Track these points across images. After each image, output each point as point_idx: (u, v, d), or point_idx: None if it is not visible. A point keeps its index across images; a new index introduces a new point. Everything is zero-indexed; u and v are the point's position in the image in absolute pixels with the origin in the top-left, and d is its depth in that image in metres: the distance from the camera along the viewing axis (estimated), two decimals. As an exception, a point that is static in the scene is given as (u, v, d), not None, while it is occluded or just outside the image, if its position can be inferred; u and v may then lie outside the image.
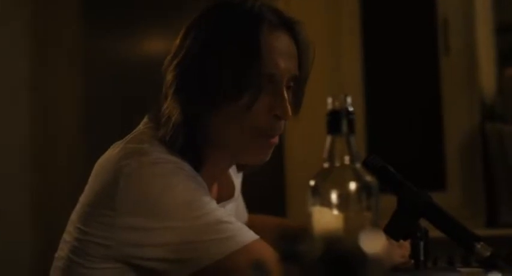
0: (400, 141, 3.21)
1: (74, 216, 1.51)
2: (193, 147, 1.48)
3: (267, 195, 3.48)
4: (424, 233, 1.38)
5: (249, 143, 1.50)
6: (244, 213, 1.86)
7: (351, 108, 1.05)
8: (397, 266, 1.48)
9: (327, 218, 1.01)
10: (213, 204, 1.44)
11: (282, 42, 1.51)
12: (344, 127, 1.04)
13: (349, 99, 1.06)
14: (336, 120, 1.04)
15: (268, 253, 1.37)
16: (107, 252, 1.42)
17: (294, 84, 1.54)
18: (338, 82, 3.26)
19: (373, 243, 0.63)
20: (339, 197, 1.02)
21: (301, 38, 1.58)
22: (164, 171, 1.41)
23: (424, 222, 1.41)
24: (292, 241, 0.72)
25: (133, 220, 1.40)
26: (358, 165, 1.04)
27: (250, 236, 1.42)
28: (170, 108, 1.48)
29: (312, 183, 1.03)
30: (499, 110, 3.21)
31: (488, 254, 1.35)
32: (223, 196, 1.64)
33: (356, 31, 3.28)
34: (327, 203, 1.02)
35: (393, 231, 1.37)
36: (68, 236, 1.50)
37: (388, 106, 3.27)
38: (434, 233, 1.46)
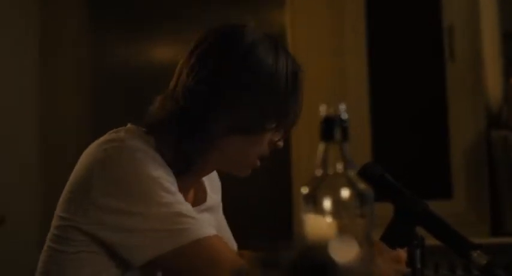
0: (405, 148, 3.20)
1: (57, 208, 1.60)
2: (195, 155, 1.59)
3: (273, 204, 3.48)
4: (420, 241, 1.38)
5: (247, 162, 1.65)
6: (229, 236, 1.84)
7: (344, 116, 1.05)
8: None
9: (320, 225, 1.01)
10: (179, 197, 1.51)
11: (301, 90, 1.68)
12: (337, 134, 1.03)
13: (343, 107, 1.05)
14: (329, 128, 1.03)
15: (222, 249, 1.49)
16: (84, 236, 1.51)
17: None
18: (343, 87, 3.25)
19: (344, 251, 0.63)
20: (332, 204, 1.01)
21: (301, 86, 1.69)
22: (137, 158, 1.50)
23: (421, 231, 1.40)
24: (269, 249, 0.72)
25: (103, 201, 1.48)
26: (351, 173, 1.04)
27: (206, 231, 1.50)
28: (203, 122, 1.58)
29: (305, 190, 1.03)
30: (504, 117, 3.20)
31: (484, 262, 1.34)
32: (199, 200, 1.72)
33: (361, 38, 3.28)
34: (320, 211, 1.01)
35: (390, 239, 1.36)
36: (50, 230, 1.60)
37: (393, 112, 3.26)
38: (436, 240, 1.45)
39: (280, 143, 1.66)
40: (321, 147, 1.03)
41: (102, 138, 1.58)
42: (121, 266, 1.53)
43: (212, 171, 1.73)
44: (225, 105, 1.59)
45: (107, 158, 1.51)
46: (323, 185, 1.02)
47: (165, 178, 1.51)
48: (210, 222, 1.68)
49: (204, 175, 1.72)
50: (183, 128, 1.58)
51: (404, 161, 3.10)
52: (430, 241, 1.46)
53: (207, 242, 1.49)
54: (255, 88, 1.60)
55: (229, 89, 1.59)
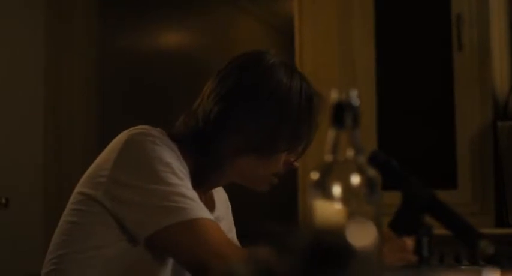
0: (411, 138, 3.20)
1: (77, 187, 1.71)
2: (213, 169, 1.73)
3: (280, 193, 3.47)
4: (428, 229, 1.37)
5: (264, 180, 1.76)
6: None
7: (356, 102, 1.04)
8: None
9: (329, 211, 1.00)
10: (186, 183, 1.62)
11: (316, 113, 1.76)
12: (348, 120, 1.03)
13: (354, 93, 1.05)
14: (339, 114, 1.03)
15: (214, 232, 1.58)
16: (98, 207, 1.61)
17: None
18: (351, 76, 3.25)
19: (362, 236, 0.62)
20: (342, 190, 1.01)
21: (317, 110, 1.77)
22: (157, 144, 1.62)
23: (429, 219, 1.40)
24: (282, 234, 0.71)
25: (118, 175, 1.60)
26: (361, 160, 1.03)
27: (204, 215, 1.59)
28: (218, 141, 1.69)
29: (314, 176, 1.02)
30: (511, 108, 3.19)
31: (491, 251, 1.34)
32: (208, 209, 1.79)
33: (369, 27, 3.27)
34: (330, 197, 1.01)
35: (397, 227, 1.36)
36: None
37: (400, 102, 3.25)
38: (442, 230, 1.45)
39: (296, 164, 1.77)
40: (331, 133, 1.03)
41: (128, 130, 1.68)
42: (129, 242, 1.61)
43: (222, 184, 1.85)
44: (238, 124, 1.69)
45: (129, 140, 1.63)
46: (333, 171, 1.02)
47: (177, 166, 1.62)
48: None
49: (216, 187, 1.84)
50: (198, 146, 1.69)
51: (410, 151, 3.10)
52: (436, 231, 1.46)
53: (202, 223, 1.58)
54: (267, 109, 1.69)
55: (241, 109, 1.69)
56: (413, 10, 3.26)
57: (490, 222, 3.03)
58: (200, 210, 1.60)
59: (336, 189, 1.01)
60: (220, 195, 1.92)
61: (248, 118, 1.70)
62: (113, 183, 1.61)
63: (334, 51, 3.32)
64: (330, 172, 1.03)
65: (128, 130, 1.67)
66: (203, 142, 1.70)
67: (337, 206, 1.00)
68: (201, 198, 1.74)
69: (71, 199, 1.70)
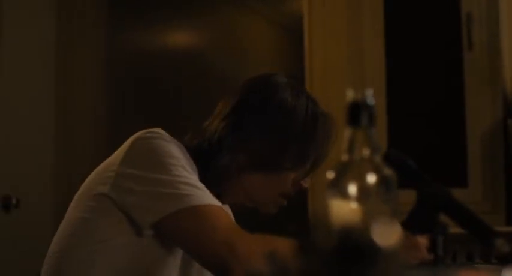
0: (422, 137, 3.20)
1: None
2: (222, 187, 1.74)
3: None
4: (443, 228, 1.38)
5: (271, 200, 1.78)
6: None
7: (371, 101, 1.04)
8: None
9: (345, 211, 1.00)
10: (194, 176, 1.64)
11: (322, 132, 1.78)
12: (364, 120, 1.03)
13: (369, 92, 1.05)
14: (355, 113, 1.03)
15: (221, 217, 1.59)
16: (106, 201, 1.62)
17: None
18: (361, 76, 3.25)
19: (387, 235, 0.63)
20: (358, 190, 1.01)
21: (327, 130, 1.79)
22: (167, 142, 1.64)
23: (444, 218, 1.40)
24: (307, 232, 0.72)
25: (126, 169, 1.61)
26: (377, 159, 1.04)
27: (211, 201, 1.60)
28: (225, 160, 1.72)
29: (330, 175, 1.03)
30: (522, 106, 3.19)
31: (507, 250, 1.34)
32: None
33: (379, 26, 3.27)
34: (346, 196, 1.01)
35: (412, 226, 1.37)
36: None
37: (411, 100, 3.25)
38: (454, 228, 1.45)
39: (306, 184, 1.79)
40: (347, 132, 1.03)
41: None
42: (137, 235, 1.61)
43: (233, 203, 1.84)
44: (242, 141, 1.72)
45: (138, 138, 1.65)
46: (349, 171, 1.02)
47: (186, 162, 1.64)
48: None
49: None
50: (202, 162, 1.71)
51: (421, 149, 3.10)
52: (450, 229, 1.46)
53: (208, 209, 1.58)
54: (272, 126, 1.73)
55: (246, 126, 1.72)
56: (423, 9, 3.26)
57: (501, 221, 3.03)
58: (207, 197, 1.61)
59: (352, 189, 1.01)
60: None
61: (253, 135, 1.73)
62: (120, 176, 1.62)
63: (344, 51, 3.32)
64: (346, 171, 1.03)
65: (137, 133, 1.70)
66: (207, 159, 1.72)
67: (353, 206, 1.00)
68: None
69: (77, 195, 1.72)
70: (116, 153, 1.69)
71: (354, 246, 0.65)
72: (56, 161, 3.69)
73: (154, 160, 1.61)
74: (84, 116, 3.88)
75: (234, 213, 1.95)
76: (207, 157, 1.72)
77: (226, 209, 1.94)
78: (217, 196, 1.72)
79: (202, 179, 1.69)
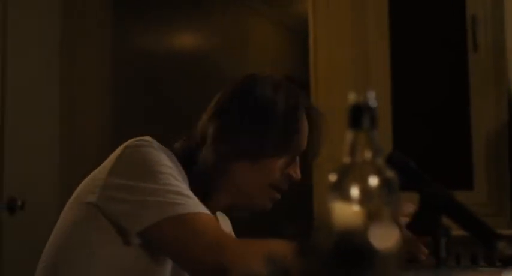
0: (427, 138, 3.20)
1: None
2: (211, 183, 1.75)
3: (294, 193, 3.47)
4: (446, 230, 1.37)
5: (261, 192, 1.77)
6: None
7: (373, 103, 1.04)
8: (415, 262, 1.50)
9: (347, 213, 1.00)
10: (184, 185, 1.63)
11: (305, 123, 1.81)
12: (366, 122, 1.03)
13: (371, 94, 1.05)
14: (357, 115, 1.03)
15: (208, 224, 1.58)
16: (93, 212, 1.61)
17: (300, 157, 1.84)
18: (365, 78, 3.25)
19: (385, 237, 0.62)
20: (360, 192, 1.01)
21: (316, 123, 1.84)
22: (156, 149, 1.64)
23: (446, 220, 1.40)
24: (307, 234, 0.72)
25: (115, 179, 1.61)
26: (379, 161, 1.03)
27: (200, 209, 1.59)
28: (208, 153, 1.74)
29: (332, 178, 1.02)
30: (526, 107, 3.18)
31: (510, 252, 1.34)
32: None
33: (384, 27, 3.27)
34: (348, 199, 1.01)
35: (415, 228, 1.36)
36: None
37: (415, 102, 3.25)
38: (458, 231, 1.45)
39: (295, 175, 1.79)
40: (349, 135, 1.03)
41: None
42: (124, 244, 1.60)
43: (228, 203, 1.81)
44: (224, 132, 1.74)
45: (126, 147, 1.65)
46: (351, 173, 1.02)
47: (175, 170, 1.64)
48: None
49: (218, 209, 1.84)
50: (194, 164, 1.73)
51: (426, 151, 3.09)
52: (453, 232, 1.46)
53: (197, 216, 1.57)
54: (252, 115, 1.74)
55: (228, 117, 1.75)
56: (428, 11, 3.26)
57: (506, 223, 3.02)
58: (196, 205, 1.60)
59: (354, 191, 1.01)
60: (225, 223, 1.95)
61: (233, 124, 1.75)
62: (109, 185, 1.61)
63: (349, 52, 3.32)
64: (348, 174, 1.03)
65: (128, 141, 1.69)
66: (195, 159, 1.74)
67: (355, 208, 1.00)
68: None
69: (68, 203, 1.72)
70: (105, 161, 1.69)
71: (352, 248, 0.65)
72: (61, 163, 3.70)
73: (142, 169, 1.60)
74: (89, 118, 3.88)
75: (232, 220, 1.95)
76: (196, 157, 1.74)
77: (225, 219, 1.96)
78: (210, 197, 1.75)
79: (193, 183, 1.70)
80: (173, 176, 1.61)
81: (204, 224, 1.58)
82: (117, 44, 4.08)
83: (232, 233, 1.98)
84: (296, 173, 1.80)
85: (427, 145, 3.16)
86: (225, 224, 1.96)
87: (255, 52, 4.57)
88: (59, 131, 3.73)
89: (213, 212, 1.83)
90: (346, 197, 1.00)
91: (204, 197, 1.71)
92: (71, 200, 1.72)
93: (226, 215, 1.99)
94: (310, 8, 3.45)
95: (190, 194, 1.62)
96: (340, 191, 1.01)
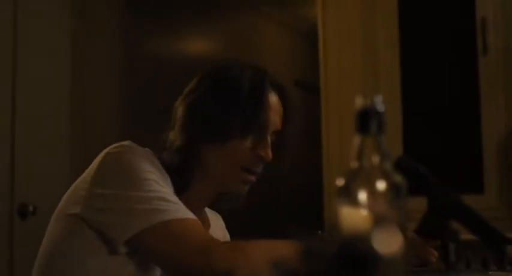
0: (437, 142, 3.19)
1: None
2: (185, 169, 1.73)
3: (305, 197, 3.47)
4: (455, 234, 1.37)
5: (233, 174, 1.74)
6: None
7: (381, 108, 1.04)
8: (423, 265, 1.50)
9: (355, 218, 1.00)
10: (167, 189, 1.62)
11: (272, 100, 1.79)
12: (373, 127, 1.03)
13: (379, 99, 1.05)
14: (365, 120, 1.03)
15: (193, 230, 1.56)
16: (79, 223, 1.61)
17: (277, 138, 1.80)
18: (375, 81, 3.25)
19: (389, 242, 0.62)
20: (368, 197, 1.01)
21: (289, 102, 1.83)
22: (136, 155, 1.63)
23: (456, 224, 1.39)
24: (310, 241, 0.72)
25: (97, 189, 1.60)
26: (387, 166, 1.03)
27: (184, 215, 1.57)
28: (176, 136, 1.75)
29: (340, 183, 1.02)
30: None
31: (519, 257, 1.33)
32: None
33: (394, 31, 3.27)
34: (356, 203, 1.01)
35: (423, 233, 1.36)
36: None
37: (425, 106, 3.24)
38: (468, 235, 1.44)
39: (265, 155, 1.74)
40: (357, 139, 1.03)
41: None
42: (110, 254, 1.59)
43: (209, 193, 1.81)
44: (190, 115, 1.75)
45: (108, 154, 1.65)
46: (358, 178, 1.02)
47: (157, 175, 1.63)
48: None
49: (204, 202, 1.83)
50: (165, 144, 1.74)
51: (436, 156, 3.09)
52: (463, 236, 1.45)
53: (182, 222, 1.56)
54: (216, 95, 1.75)
55: (192, 102, 1.77)
56: (438, 14, 3.25)
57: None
58: (181, 211, 1.58)
59: (362, 196, 1.01)
60: (218, 224, 1.95)
61: (200, 105, 1.75)
62: (92, 195, 1.60)
63: (358, 56, 3.32)
64: (356, 178, 1.02)
65: (108, 147, 1.68)
66: (168, 137, 1.76)
67: (363, 212, 1.00)
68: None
69: (54, 214, 1.72)
70: (87, 170, 1.68)
71: (356, 253, 0.65)
72: (72, 169, 3.71)
73: (124, 177, 1.59)
74: (100, 124, 3.89)
75: (235, 219, 1.94)
76: (190, 149, 1.74)
77: (217, 219, 1.97)
78: (189, 185, 1.74)
79: (175, 183, 1.70)
80: (156, 182, 1.60)
81: (190, 229, 1.57)
82: (128, 47, 4.09)
83: (226, 233, 1.98)
84: (266, 153, 1.75)
85: (437, 149, 3.15)
86: (218, 224, 1.96)
87: (265, 56, 4.57)
88: (69, 137, 3.74)
89: (202, 209, 1.85)
90: (353, 202, 1.00)
91: (183, 186, 1.72)
92: (56, 211, 1.72)
93: (219, 213, 1.99)
94: (320, 12, 3.45)
95: (175, 199, 1.61)
96: (348, 195, 1.01)
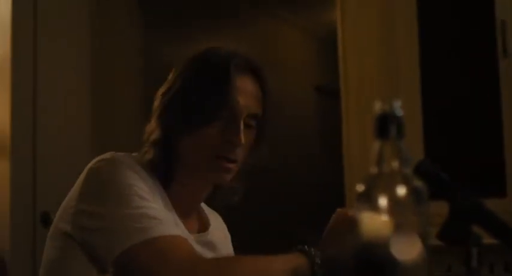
0: (458, 146, 3.17)
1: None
2: (164, 163, 1.71)
3: (326, 199, 3.46)
4: (477, 239, 1.36)
5: (208, 163, 1.69)
6: None
7: (399, 112, 1.04)
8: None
9: (375, 223, 1.00)
10: (151, 203, 1.58)
11: (244, 83, 1.74)
12: (393, 131, 1.02)
13: (397, 103, 1.04)
14: (384, 125, 1.02)
15: (176, 248, 1.52)
16: (70, 241, 1.59)
17: (256, 122, 1.76)
18: (395, 86, 3.24)
19: (407, 249, 0.62)
20: (388, 202, 1.00)
21: (266, 83, 1.79)
22: (117, 168, 1.61)
23: (478, 229, 1.38)
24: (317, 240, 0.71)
25: (83, 206, 1.59)
26: (407, 171, 1.03)
27: (167, 231, 1.54)
28: (152, 128, 1.75)
29: (360, 188, 1.02)
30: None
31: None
32: (200, 229, 1.84)
33: (413, 35, 3.26)
34: (376, 209, 1.00)
35: (445, 238, 1.35)
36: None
37: (446, 109, 3.23)
38: (490, 239, 1.43)
39: (236, 141, 1.68)
40: (376, 144, 1.02)
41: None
42: (100, 273, 1.57)
43: (196, 188, 1.79)
44: (160, 108, 1.76)
45: (90, 169, 1.64)
46: (379, 183, 1.02)
47: (140, 187, 1.60)
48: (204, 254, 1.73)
49: (196, 196, 1.81)
50: (143, 139, 1.75)
51: (457, 159, 3.07)
52: (485, 240, 1.44)
53: (163, 240, 1.52)
54: (183, 85, 1.73)
55: (166, 88, 1.78)
56: (458, 17, 3.24)
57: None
58: (163, 227, 1.55)
59: (382, 201, 1.00)
60: (218, 224, 1.93)
61: (170, 94, 1.75)
62: (78, 214, 1.59)
63: (378, 60, 3.31)
64: (376, 184, 1.02)
65: (91, 162, 1.68)
66: (145, 132, 1.77)
67: (384, 218, 1.00)
68: (190, 214, 1.79)
69: (50, 233, 1.71)
70: (75, 184, 1.68)
71: (373, 259, 0.64)
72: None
73: (108, 194, 1.58)
74: (120, 133, 3.90)
75: (252, 218, 1.93)
76: (166, 141, 1.73)
77: (217, 219, 1.95)
78: (172, 177, 1.72)
79: (161, 178, 1.70)
80: (139, 196, 1.58)
81: (175, 245, 1.53)
82: (149, 54, 4.10)
83: (227, 233, 1.97)
84: (238, 138, 1.69)
85: (459, 152, 3.13)
86: (218, 224, 1.94)
87: (285, 62, 4.57)
88: (90, 146, 3.75)
89: (196, 204, 1.84)
90: (373, 207, 1.00)
91: (168, 180, 1.72)
92: (51, 228, 1.71)
93: (217, 212, 1.98)
94: (339, 17, 3.45)
95: (160, 214, 1.58)
96: (368, 201, 1.00)
